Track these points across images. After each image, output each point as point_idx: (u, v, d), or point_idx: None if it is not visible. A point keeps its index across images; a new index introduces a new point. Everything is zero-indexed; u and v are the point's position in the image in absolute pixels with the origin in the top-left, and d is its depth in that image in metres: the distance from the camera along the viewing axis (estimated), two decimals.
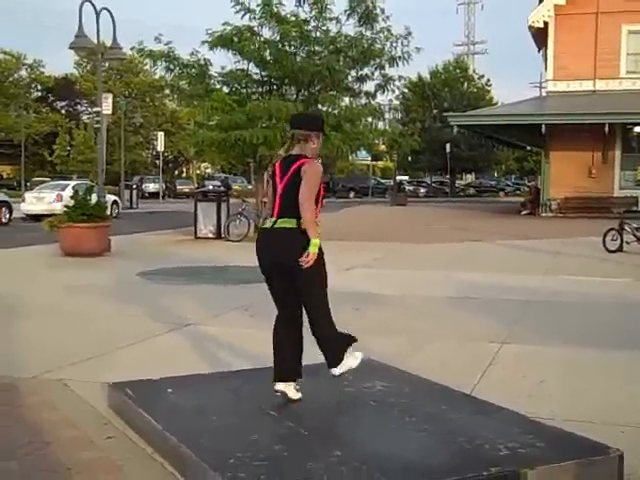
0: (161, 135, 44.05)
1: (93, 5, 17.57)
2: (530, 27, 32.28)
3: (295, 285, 4.79)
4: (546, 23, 31.31)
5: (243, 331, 7.67)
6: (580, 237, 19.10)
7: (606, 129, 28.48)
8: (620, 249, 15.71)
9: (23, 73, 65.71)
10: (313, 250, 4.64)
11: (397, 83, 20.26)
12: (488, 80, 64.87)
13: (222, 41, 18.62)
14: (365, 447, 4.17)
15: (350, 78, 19.80)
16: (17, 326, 7.88)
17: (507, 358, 6.62)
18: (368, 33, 19.16)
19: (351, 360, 4.96)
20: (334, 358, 4.92)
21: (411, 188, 61.27)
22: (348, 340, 5.00)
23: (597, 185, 29.48)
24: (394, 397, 5.08)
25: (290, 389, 4.86)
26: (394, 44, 19.20)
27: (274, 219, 4.84)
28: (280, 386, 4.84)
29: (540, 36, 33.12)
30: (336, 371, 4.92)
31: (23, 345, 7.04)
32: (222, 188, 37.70)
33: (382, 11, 19.01)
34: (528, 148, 42.02)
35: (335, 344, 4.93)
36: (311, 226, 4.68)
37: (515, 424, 4.55)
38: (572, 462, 3.95)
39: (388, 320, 8.40)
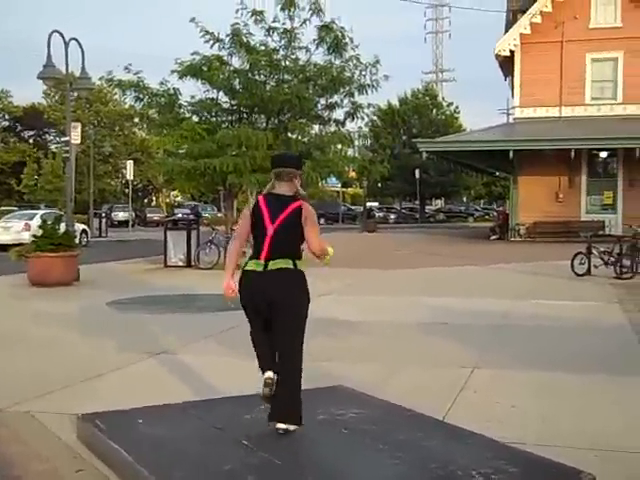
0: (130, 164, 43.81)
1: (62, 35, 17.50)
2: (497, 55, 32.77)
3: (281, 323, 4.78)
4: (512, 51, 31.83)
5: (214, 359, 7.62)
6: (549, 261, 19.27)
7: (572, 154, 28.91)
8: (588, 272, 15.88)
9: None
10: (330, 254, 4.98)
11: (366, 110, 20.43)
12: (457, 107, 65.66)
13: (191, 70, 18.67)
14: (338, 476, 4.15)
15: (319, 106, 19.92)
16: None
17: (479, 383, 6.64)
18: (337, 61, 19.33)
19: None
20: (291, 412, 4.77)
21: (381, 214, 61.52)
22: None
23: (564, 209, 29.84)
24: (367, 424, 5.07)
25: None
26: (363, 72, 19.38)
27: (263, 262, 4.79)
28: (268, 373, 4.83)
29: (507, 64, 33.64)
30: (283, 427, 4.75)
31: None
32: (192, 216, 37.57)
33: (351, 40, 19.20)
34: (496, 173, 42.42)
35: (298, 397, 4.80)
36: (323, 251, 4.92)
37: (488, 450, 4.56)
38: None
39: (360, 346, 8.40)
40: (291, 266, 4.77)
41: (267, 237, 4.79)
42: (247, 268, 4.87)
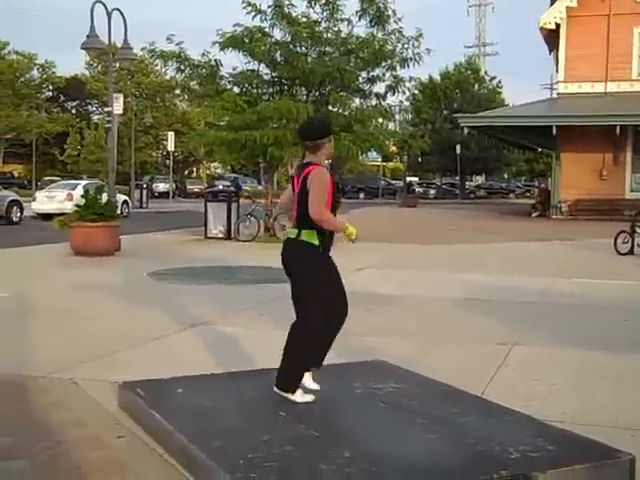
0: (171, 135, 44.10)
1: (105, 6, 17.62)
2: (541, 29, 32.21)
3: (292, 291, 4.97)
4: (558, 25, 31.24)
5: (254, 331, 7.67)
6: (591, 239, 19.03)
7: (617, 131, 28.39)
8: (631, 252, 15.65)
9: (35, 73, 65.97)
10: (350, 233, 4.83)
11: (408, 84, 20.23)
12: (499, 82, 64.75)
13: (233, 42, 18.64)
14: (375, 449, 4.16)
15: (361, 79, 19.78)
16: (28, 325, 7.90)
17: (518, 360, 6.60)
18: (379, 34, 19.16)
19: (298, 396, 4.88)
20: (286, 381, 4.89)
21: (421, 190, 61.22)
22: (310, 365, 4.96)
23: (608, 187, 29.36)
24: (405, 399, 5.07)
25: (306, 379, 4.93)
26: (405, 45, 19.19)
27: (293, 229, 4.92)
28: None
29: (551, 38, 33.04)
30: (277, 390, 4.90)
31: (34, 344, 7.05)
32: (232, 188, 37.72)
33: (393, 12, 19.00)
34: (539, 150, 41.87)
35: (297, 366, 4.89)
36: (331, 224, 4.75)
37: (526, 427, 4.54)
38: (583, 466, 3.93)
39: (399, 321, 8.40)
40: (294, 235, 4.83)
41: (296, 206, 4.88)
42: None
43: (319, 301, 4.82)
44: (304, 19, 18.86)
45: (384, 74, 19.62)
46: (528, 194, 63.96)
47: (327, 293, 4.84)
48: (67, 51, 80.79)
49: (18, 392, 5.58)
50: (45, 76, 66.56)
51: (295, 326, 4.92)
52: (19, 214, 26.55)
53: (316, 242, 4.76)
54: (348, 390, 4.93)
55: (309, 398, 4.86)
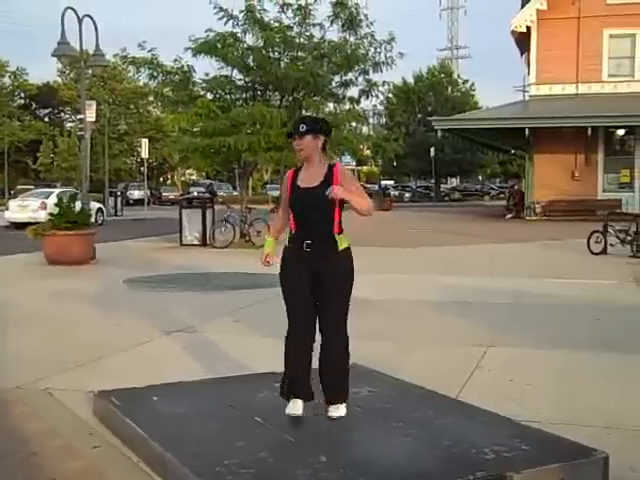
0: (145, 142, 43.80)
1: (75, 12, 17.50)
2: (513, 32, 32.49)
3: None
4: (528, 27, 31.51)
5: (229, 337, 7.66)
6: (565, 239, 19.20)
7: (589, 132, 28.70)
8: (604, 251, 15.81)
9: (6, 80, 65.47)
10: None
11: (381, 88, 20.32)
12: (472, 84, 65.21)
13: (205, 47, 18.62)
14: (351, 453, 4.17)
15: (334, 83, 19.84)
16: (1, 335, 7.83)
17: (493, 361, 6.64)
18: (352, 39, 19.24)
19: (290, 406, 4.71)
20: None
21: (396, 193, 61.34)
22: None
23: (581, 188, 29.64)
24: (380, 402, 5.08)
25: None
26: (378, 49, 19.27)
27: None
28: None
29: (523, 40, 33.33)
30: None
31: (7, 354, 6.99)
32: (207, 195, 37.63)
33: (365, 17, 19.09)
34: (512, 152, 42.19)
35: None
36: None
37: (501, 428, 4.57)
38: (557, 465, 3.96)
39: (375, 324, 8.40)
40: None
41: None
42: None
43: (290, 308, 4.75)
44: (276, 24, 18.88)
45: (357, 78, 19.71)
46: (502, 195, 64.35)
47: None
48: (39, 58, 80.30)
49: None
50: (17, 83, 66.08)
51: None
52: None
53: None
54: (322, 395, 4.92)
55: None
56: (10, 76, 65.34)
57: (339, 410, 4.69)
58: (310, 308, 4.67)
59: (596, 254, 15.69)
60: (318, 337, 4.73)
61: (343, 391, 4.74)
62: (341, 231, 4.67)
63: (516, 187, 36.07)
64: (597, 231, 16.19)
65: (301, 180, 4.68)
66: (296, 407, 4.65)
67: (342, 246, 4.65)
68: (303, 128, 4.66)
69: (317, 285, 4.63)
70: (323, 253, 4.60)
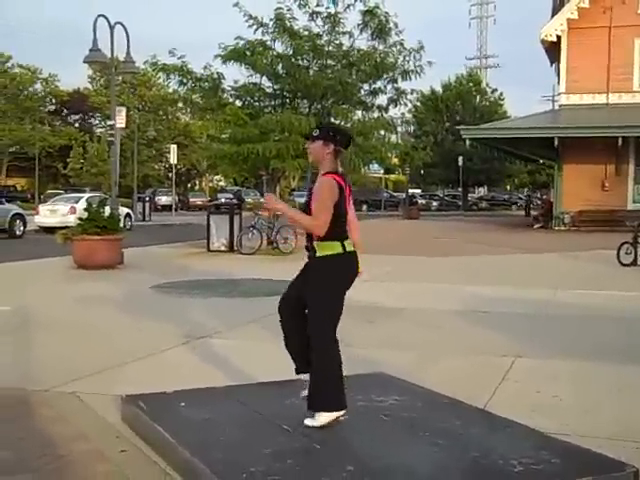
0: (174, 148, 44.12)
1: (107, 20, 17.70)
2: (542, 41, 32.30)
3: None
4: (559, 37, 31.33)
5: (256, 344, 7.67)
6: (594, 250, 19.01)
7: (619, 142, 28.42)
8: (634, 263, 15.63)
9: (38, 87, 66.29)
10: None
11: (409, 97, 20.34)
12: (501, 93, 64.90)
13: (235, 55, 18.74)
14: (377, 462, 4.15)
15: (363, 92, 19.88)
16: (31, 339, 7.91)
17: (520, 372, 6.59)
18: (381, 47, 19.28)
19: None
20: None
21: (423, 201, 61.21)
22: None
23: (610, 198, 29.38)
24: (407, 411, 5.06)
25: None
26: (407, 58, 19.29)
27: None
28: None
29: (552, 50, 33.14)
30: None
31: (37, 358, 7.06)
32: (235, 201, 37.76)
33: (395, 25, 19.13)
34: (541, 161, 41.93)
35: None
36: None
37: (529, 439, 4.53)
38: (587, 479, 3.91)
39: (401, 333, 8.39)
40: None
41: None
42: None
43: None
44: (306, 32, 18.96)
45: (386, 86, 19.76)
46: (531, 205, 63.98)
47: None
48: (70, 64, 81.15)
49: (21, 406, 5.58)
50: (48, 90, 66.85)
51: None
52: (22, 228, 26.57)
53: None
54: (350, 403, 4.91)
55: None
56: (42, 82, 66.10)
57: (313, 420, 4.67)
58: (291, 288, 5.05)
59: (626, 265, 15.52)
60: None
61: (315, 399, 4.68)
62: (326, 238, 4.64)
63: (544, 197, 35.87)
64: (627, 242, 16.01)
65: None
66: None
67: (321, 253, 4.69)
68: (315, 133, 4.85)
69: None
70: (308, 259, 4.83)
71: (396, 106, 20.25)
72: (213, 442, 4.42)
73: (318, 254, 4.69)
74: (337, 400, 4.67)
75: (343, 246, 4.69)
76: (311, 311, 4.73)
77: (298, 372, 5.06)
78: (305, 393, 4.79)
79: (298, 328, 4.84)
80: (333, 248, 4.67)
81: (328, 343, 4.67)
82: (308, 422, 4.67)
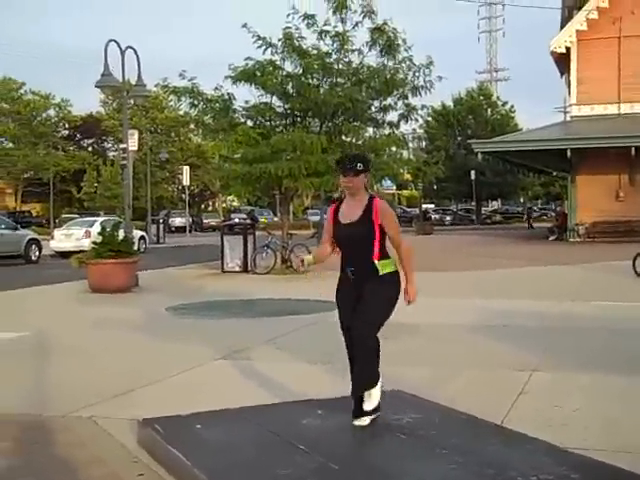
0: (187, 169, 44.35)
1: (118, 44, 17.83)
2: (552, 53, 32.32)
3: None
4: (568, 48, 31.35)
5: (273, 364, 7.65)
6: (609, 261, 18.92)
7: (632, 152, 28.31)
8: None
9: (51, 112, 66.82)
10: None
11: (420, 112, 20.31)
12: (512, 106, 64.91)
13: (245, 75, 18.80)
14: None
15: (373, 108, 19.87)
16: (47, 364, 7.93)
17: (538, 386, 6.55)
18: (390, 63, 19.27)
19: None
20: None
21: (437, 216, 61.18)
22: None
23: (625, 209, 29.24)
24: (424, 429, 5.04)
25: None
26: (416, 74, 19.27)
27: None
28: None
29: (562, 61, 33.14)
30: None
31: (53, 383, 7.08)
32: (248, 221, 37.83)
33: (404, 41, 19.11)
34: (554, 173, 41.81)
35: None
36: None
37: (548, 455, 4.49)
38: None
39: (417, 349, 8.36)
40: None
41: None
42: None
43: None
44: (315, 51, 19.00)
45: (396, 103, 19.71)
46: (545, 217, 63.73)
47: None
48: (82, 89, 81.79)
49: (39, 432, 5.59)
50: (61, 115, 67.37)
51: None
52: (37, 253, 26.69)
53: None
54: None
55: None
56: (55, 108, 66.65)
57: (368, 403, 5.04)
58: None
59: None
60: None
61: (365, 380, 5.06)
62: (383, 257, 5.03)
63: (559, 209, 35.77)
64: None
65: (342, 215, 5.11)
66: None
67: (384, 271, 5.02)
68: (360, 167, 5.05)
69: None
70: (365, 279, 5.03)
71: (407, 122, 20.22)
72: (229, 464, 4.42)
73: (381, 272, 5.01)
74: (378, 374, 5.15)
75: (394, 264, 5.08)
76: (369, 315, 5.03)
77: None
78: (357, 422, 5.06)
79: None
80: (392, 266, 5.08)
81: (375, 342, 5.15)
82: (366, 406, 5.04)
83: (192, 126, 30.23)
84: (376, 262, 4.99)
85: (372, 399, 5.05)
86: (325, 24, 18.88)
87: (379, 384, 5.13)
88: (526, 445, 4.69)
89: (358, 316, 5.01)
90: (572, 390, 6.44)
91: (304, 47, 18.95)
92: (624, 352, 8.06)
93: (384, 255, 5.03)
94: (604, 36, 30.22)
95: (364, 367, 5.05)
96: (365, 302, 5.00)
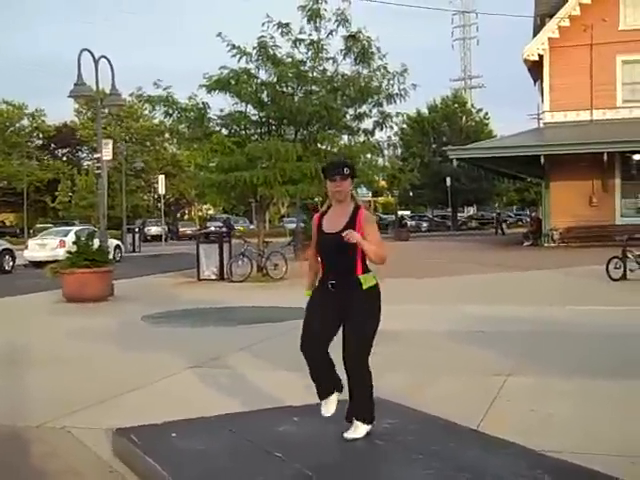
0: (162, 178, 44.13)
1: (92, 53, 17.75)
2: (525, 60, 32.60)
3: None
4: (541, 56, 31.63)
5: (248, 372, 7.63)
6: (583, 266, 19.05)
7: (605, 158, 28.60)
8: (624, 277, 15.69)
9: (25, 122, 66.30)
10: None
11: (395, 120, 20.36)
12: (486, 113, 65.33)
13: (220, 84, 18.78)
14: None
15: (348, 116, 19.92)
16: (21, 374, 7.85)
17: (513, 391, 6.57)
18: (365, 71, 19.34)
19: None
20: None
21: (413, 223, 61.32)
22: None
23: (598, 214, 29.51)
24: (400, 435, 5.04)
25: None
26: (391, 81, 19.35)
27: None
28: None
29: (535, 69, 33.43)
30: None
31: (27, 394, 7.00)
32: (224, 229, 37.73)
33: (378, 49, 19.19)
34: (528, 179, 42.09)
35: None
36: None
37: (523, 459, 4.51)
38: None
39: (393, 355, 8.35)
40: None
41: None
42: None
43: None
44: (289, 59, 19.02)
45: (371, 110, 19.77)
46: (520, 223, 64.12)
47: None
48: (56, 99, 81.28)
49: (12, 443, 5.53)
50: (35, 125, 66.87)
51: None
52: (11, 263, 26.48)
53: None
54: (343, 428, 4.89)
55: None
56: (29, 117, 66.17)
57: (354, 432, 4.90)
58: (324, 325, 4.86)
59: (615, 280, 15.56)
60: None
61: (365, 412, 4.92)
62: (366, 271, 4.87)
63: (533, 214, 36.01)
64: (616, 257, 16.07)
65: (326, 224, 4.95)
66: (326, 409, 5.03)
67: (366, 285, 4.85)
68: (347, 171, 4.93)
69: (344, 322, 4.85)
70: (347, 293, 4.83)
71: (382, 129, 20.28)
72: (206, 473, 4.39)
73: (365, 286, 4.83)
74: (373, 413, 4.95)
75: (374, 277, 4.93)
76: (359, 338, 4.84)
77: (325, 397, 5.05)
78: (329, 413, 4.99)
79: (325, 357, 4.94)
80: (373, 280, 4.90)
81: (368, 364, 4.89)
82: (350, 435, 4.88)
83: (167, 135, 30.07)
84: (360, 276, 4.81)
85: (358, 431, 4.91)
86: (300, 32, 18.92)
87: (370, 426, 4.94)
88: (502, 449, 4.71)
89: (351, 344, 4.80)
90: (548, 394, 6.48)
91: (279, 55, 18.97)
92: (601, 356, 8.12)
93: (366, 268, 4.86)
94: (576, 43, 30.52)
95: (363, 400, 4.92)
96: (356, 326, 4.80)
